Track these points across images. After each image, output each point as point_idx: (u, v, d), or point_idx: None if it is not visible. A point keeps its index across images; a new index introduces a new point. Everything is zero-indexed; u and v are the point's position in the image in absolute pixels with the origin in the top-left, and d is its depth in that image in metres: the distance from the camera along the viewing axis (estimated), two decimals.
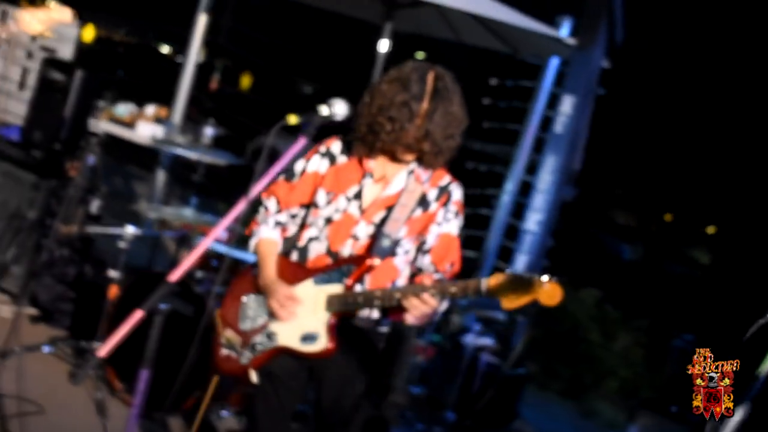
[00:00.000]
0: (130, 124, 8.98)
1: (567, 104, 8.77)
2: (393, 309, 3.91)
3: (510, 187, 9.39)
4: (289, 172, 4.09)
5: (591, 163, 10.08)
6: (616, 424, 8.70)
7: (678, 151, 26.42)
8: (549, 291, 3.41)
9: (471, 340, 7.12)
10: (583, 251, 17.59)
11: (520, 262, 8.74)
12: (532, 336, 7.38)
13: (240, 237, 7.00)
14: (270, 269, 4.00)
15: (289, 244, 4.11)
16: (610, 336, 9.45)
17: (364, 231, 3.95)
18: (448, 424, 7.10)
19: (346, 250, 3.95)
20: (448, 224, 4.01)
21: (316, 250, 3.99)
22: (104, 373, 5.97)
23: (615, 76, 9.45)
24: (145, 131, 8.86)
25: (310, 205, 4.06)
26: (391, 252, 3.92)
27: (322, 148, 4.09)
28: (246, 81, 36.36)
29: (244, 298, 4.11)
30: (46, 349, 6.24)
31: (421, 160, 3.91)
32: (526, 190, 9.24)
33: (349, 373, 4.01)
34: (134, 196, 10.97)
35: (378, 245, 3.88)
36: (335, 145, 4.09)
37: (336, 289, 3.88)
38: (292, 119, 3.73)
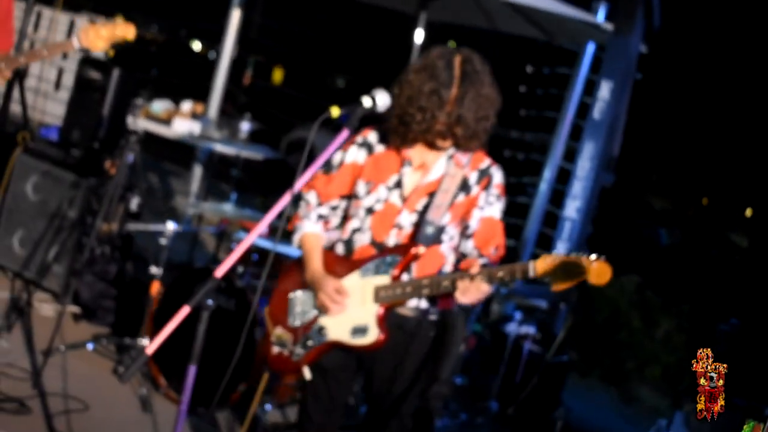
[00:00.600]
0: (166, 121, 9.00)
1: (605, 90, 8.71)
2: (441, 297, 3.90)
3: (548, 175, 9.35)
4: (327, 164, 4.06)
5: (626, 149, 10.01)
6: (659, 410, 8.63)
7: (712, 136, 26.24)
8: (598, 270, 3.42)
9: (513, 328, 7.09)
10: (621, 237, 17.47)
11: (560, 249, 8.68)
12: (573, 323, 7.33)
13: (282, 231, 7.03)
14: (316, 263, 3.98)
15: (334, 236, 4.09)
16: (652, 322, 9.39)
17: (407, 219, 3.92)
18: (492, 414, 7.08)
19: (391, 240, 3.92)
20: (491, 207, 3.97)
21: (361, 242, 3.97)
22: (148, 369, 6.00)
23: (652, 61, 9.37)
24: (182, 127, 8.87)
25: (351, 196, 4.03)
26: (436, 239, 3.89)
27: (359, 139, 4.05)
28: (278, 75, 36.43)
29: (292, 295, 4.08)
30: (90, 346, 6.27)
31: (457, 145, 3.88)
32: (564, 177, 9.20)
33: (400, 364, 3.97)
34: (172, 192, 11.01)
35: (422, 233, 3.85)
36: (372, 135, 4.05)
37: (383, 280, 3.86)
38: (335, 111, 3.70)
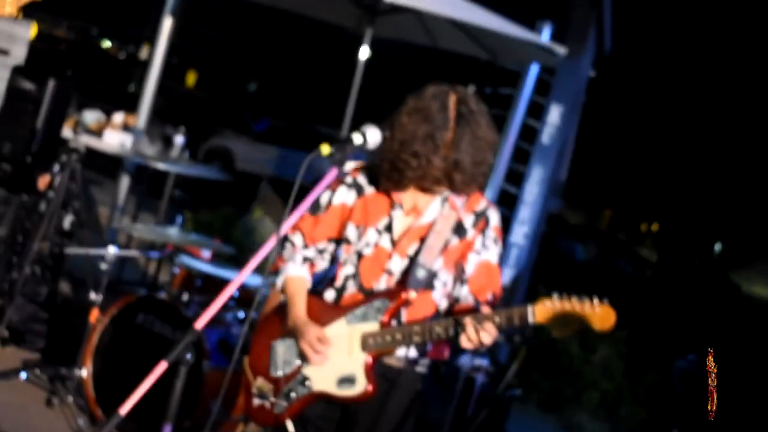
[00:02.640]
0: (97, 132, 8.62)
1: (554, 114, 8.60)
2: (433, 346, 3.73)
3: (489, 196, 9.19)
4: (314, 206, 3.83)
5: None
6: None
7: (624, 151, 26.63)
8: (602, 315, 3.28)
9: (466, 361, 6.92)
10: (543, 255, 17.50)
11: (506, 275, 8.55)
12: (525, 357, 7.17)
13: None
14: (299, 309, 3.75)
15: (324, 282, 3.87)
16: (589, 348, 9.28)
17: (398, 265, 3.71)
18: None
19: (381, 285, 3.71)
20: (487, 252, 3.77)
21: (351, 289, 3.76)
22: (85, 401, 5.69)
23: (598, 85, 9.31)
24: (113, 140, 8.51)
25: (339, 240, 3.83)
26: (427, 284, 3.69)
27: (349, 179, 3.83)
28: (191, 78, 35.96)
29: (274, 343, 3.84)
30: (23, 375, 5.91)
31: (454, 190, 3.68)
32: (507, 200, 9.05)
33: (380, 415, 3.75)
34: (99, 206, 10.61)
35: (413, 277, 3.65)
36: (362, 176, 3.84)
37: (371, 327, 3.64)
38: (326, 149, 3.45)
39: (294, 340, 3.76)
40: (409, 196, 3.76)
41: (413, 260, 3.69)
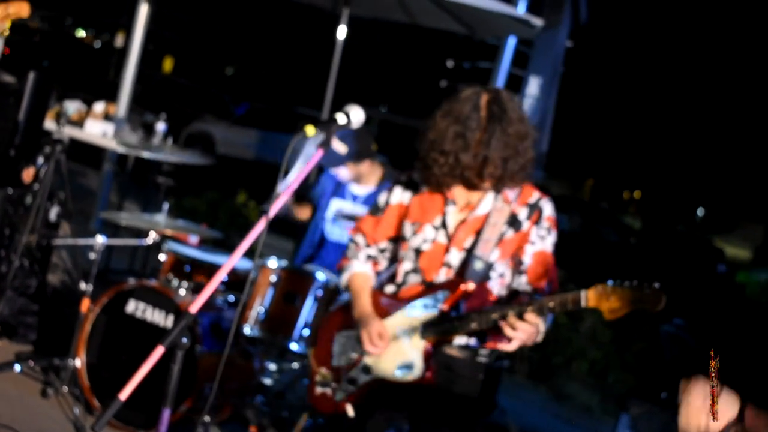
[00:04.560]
0: (78, 123, 8.62)
1: (533, 86, 8.65)
2: (491, 337, 3.87)
3: None
4: (373, 207, 4.11)
5: None
6: (590, 408, 8.61)
7: (608, 121, 26.67)
8: (652, 298, 3.39)
9: None
10: None
11: None
12: None
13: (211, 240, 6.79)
14: (364, 302, 3.96)
15: (386, 279, 4.08)
16: (577, 316, 9.33)
17: (456, 257, 3.90)
18: None
19: (441, 278, 3.90)
20: (543, 242, 3.93)
21: (411, 282, 3.95)
22: (80, 391, 5.72)
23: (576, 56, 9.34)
24: (95, 129, 8.51)
25: (398, 238, 4.02)
26: (484, 275, 3.85)
27: (404, 178, 4.08)
28: (168, 64, 35.86)
29: (337, 335, 4.06)
30: (17, 367, 5.93)
31: (493, 185, 3.85)
32: None
33: (448, 405, 3.92)
34: (84, 195, 10.61)
35: (471, 269, 3.83)
36: (417, 176, 4.04)
37: (431, 316, 3.82)
38: (310, 130, 3.53)
39: (357, 332, 3.93)
40: (461, 194, 3.94)
41: (470, 253, 3.86)
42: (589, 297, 3.49)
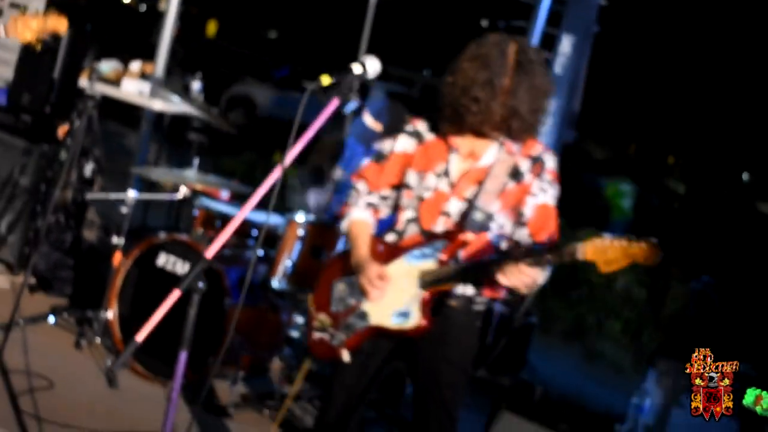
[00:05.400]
0: (114, 82, 8.69)
1: (566, 44, 8.60)
2: (487, 285, 3.85)
3: None
4: (377, 154, 4.04)
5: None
6: (622, 367, 8.63)
7: (647, 86, 26.40)
8: (647, 251, 3.38)
9: None
10: (568, 190, 17.45)
11: None
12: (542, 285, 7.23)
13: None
14: (362, 249, 3.92)
15: (386, 226, 4.04)
16: (611, 276, 9.34)
17: (455, 207, 3.87)
18: None
19: (439, 227, 3.87)
20: (545, 194, 3.88)
21: (412, 231, 3.92)
22: (112, 342, 5.84)
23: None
24: (131, 88, 8.59)
25: (401, 186, 3.98)
26: (484, 226, 3.82)
27: (409, 127, 4.00)
28: (212, 28, 35.92)
29: (336, 281, 4.04)
30: (51, 319, 6.06)
31: (510, 136, 3.80)
32: None
33: (446, 354, 3.93)
34: (123, 155, 10.73)
35: (471, 219, 3.80)
36: (422, 124, 4.00)
37: (429, 265, 3.80)
38: (326, 80, 3.54)
39: (355, 278, 3.91)
40: (466, 142, 3.88)
41: (471, 203, 3.84)
42: (585, 250, 3.47)
